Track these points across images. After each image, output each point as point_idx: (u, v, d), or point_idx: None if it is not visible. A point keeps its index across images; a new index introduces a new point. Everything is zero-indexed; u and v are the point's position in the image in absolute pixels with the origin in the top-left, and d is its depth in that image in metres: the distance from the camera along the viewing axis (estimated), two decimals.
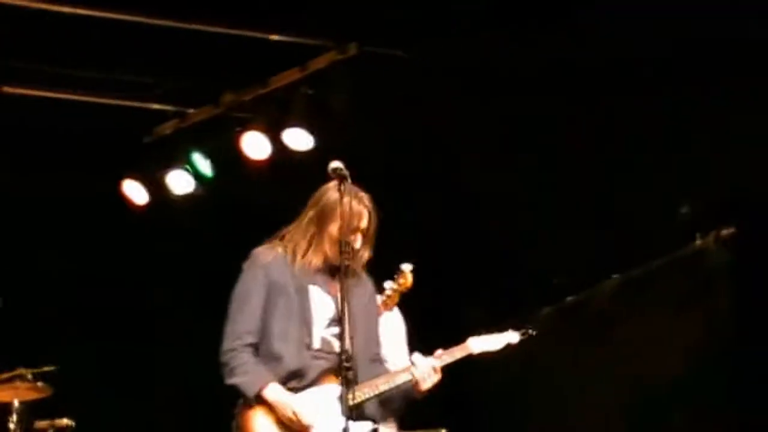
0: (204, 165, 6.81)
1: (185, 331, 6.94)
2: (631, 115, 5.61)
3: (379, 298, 4.48)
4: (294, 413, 3.79)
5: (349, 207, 3.82)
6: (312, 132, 6.33)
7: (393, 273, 4.62)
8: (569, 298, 6.05)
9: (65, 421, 5.98)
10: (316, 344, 3.88)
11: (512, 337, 4.10)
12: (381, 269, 4.29)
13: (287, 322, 3.89)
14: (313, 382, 3.85)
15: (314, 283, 3.94)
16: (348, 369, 3.66)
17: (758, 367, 5.09)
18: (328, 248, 3.90)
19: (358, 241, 3.91)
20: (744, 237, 5.24)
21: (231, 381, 3.88)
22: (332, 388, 3.80)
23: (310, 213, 3.97)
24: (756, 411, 5.12)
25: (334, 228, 3.86)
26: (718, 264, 5.27)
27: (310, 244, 3.93)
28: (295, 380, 3.85)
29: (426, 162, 6.33)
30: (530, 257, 6.16)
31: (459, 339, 4.07)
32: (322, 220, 3.91)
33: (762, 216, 5.19)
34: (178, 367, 7.05)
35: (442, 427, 4.80)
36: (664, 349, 5.54)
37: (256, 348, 3.90)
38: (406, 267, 4.55)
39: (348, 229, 3.80)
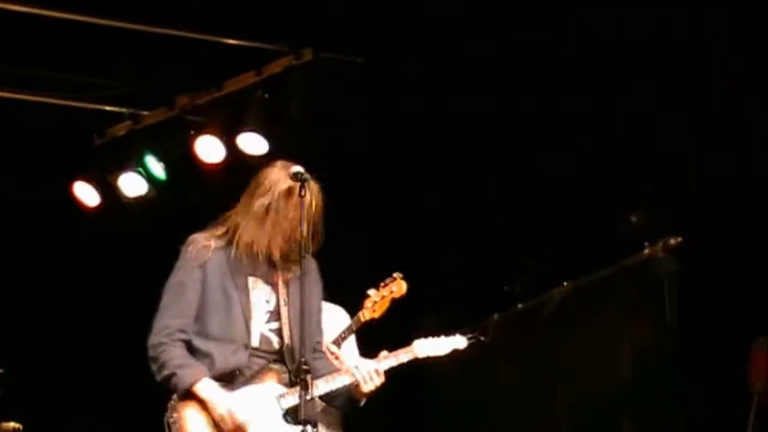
0: (157, 167, 6.77)
1: (134, 335, 6.88)
2: (584, 116, 5.67)
3: (369, 304, 4.39)
4: (228, 411, 3.63)
5: (310, 206, 3.65)
6: (266, 136, 6.33)
7: (355, 278, 4.54)
8: (520, 305, 6.10)
9: (12, 425, 5.91)
10: (255, 342, 3.74)
11: (460, 341, 4.01)
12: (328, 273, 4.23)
13: (223, 319, 3.72)
14: (250, 380, 3.71)
15: (255, 275, 3.77)
16: (285, 367, 3.58)
17: (704, 373, 5.17)
18: (274, 239, 3.70)
19: (303, 231, 3.65)
20: (691, 246, 5.32)
21: (162, 374, 3.70)
22: (269, 387, 3.69)
23: (257, 201, 3.75)
24: (701, 415, 5.20)
25: (283, 220, 3.68)
26: (666, 272, 5.34)
27: (255, 233, 3.72)
28: (229, 379, 3.70)
29: (379, 167, 6.36)
30: (482, 264, 6.21)
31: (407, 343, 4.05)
32: (270, 210, 3.70)
33: (708, 225, 5.28)
34: (123, 370, 6.99)
35: None
36: (614, 355, 5.61)
37: (188, 344, 3.73)
38: (399, 275, 4.40)
39: (304, 227, 3.61)
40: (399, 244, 6.30)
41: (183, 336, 3.73)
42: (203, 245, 3.79)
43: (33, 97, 6.49)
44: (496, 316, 6.06)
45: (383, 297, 4.33)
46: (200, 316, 3.75)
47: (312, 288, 3.86)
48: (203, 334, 3.74)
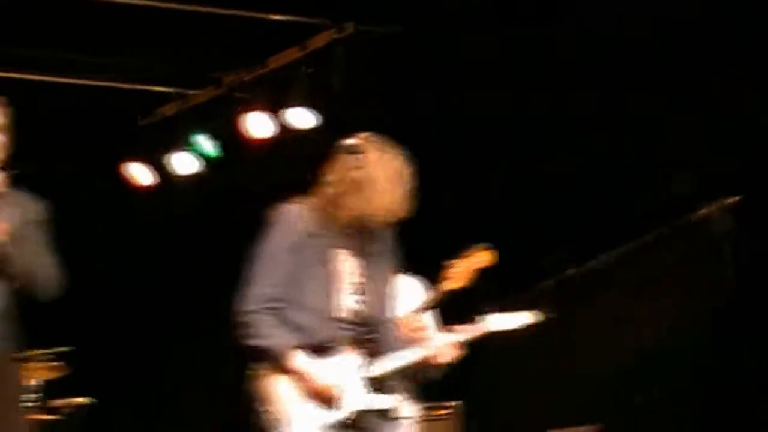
0: (207, 145, 6.84)
1: (194, 311, 6.98)
2: (634, 86, 5.63)
3: (451, 274, 4.34)
4: (324, 382, 3.66)
5: (385, 166, 3.65)
6: (314, 110, 6.36)
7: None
8: (571, 270, 6.07)
9: (81, 400, 6.06)
10: (341, 313, 3.74)
11: (528, 317, 4.07)
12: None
13: (313, 290, 3.72)
14: (336, 351, 3.73)
15: (343, 246, 3.76)
16: (370, 341, 3.62)
17: (759, 333, 5.14)
18: (365, 210, 3.69)
19: (393, 202, 3.66)
20: (747, 206, 5.27)
21: (253, 342, 3.67)
22: (353, 358, 3.73)
23: (347, 173, 3.71)
24: (752, 373, 5.18)
25: (374, 191, 3.66)
26: (722, 232, 5.29)
27: (346, 204, 3.70)
28: (318, 350, 3.71)
29: (426, 137, 6.35)
30: (530, 231, 6.19)
31: (465, 315, 4.09)
32: (360, 181, 3.67)
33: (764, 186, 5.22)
34: (187, 346, 7.10)
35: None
36: (667, 317, 5.58)
37: (279, 314, 3.70)
38: (483, 245, 4.17)
39: (383, 190, 3.61)
40: (443, 212, 6.30)
41: (275, 305, 3.71)
42: (295, 215, 3.76)
43: (84, 81, 6.57)
44: (545, 282, 6.03)
45: (467, 267, 4.13)
46: (291, 287, 3.73)
47: (391, 259, 3.88)
48: (294, 304, 3.73)
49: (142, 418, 7.16)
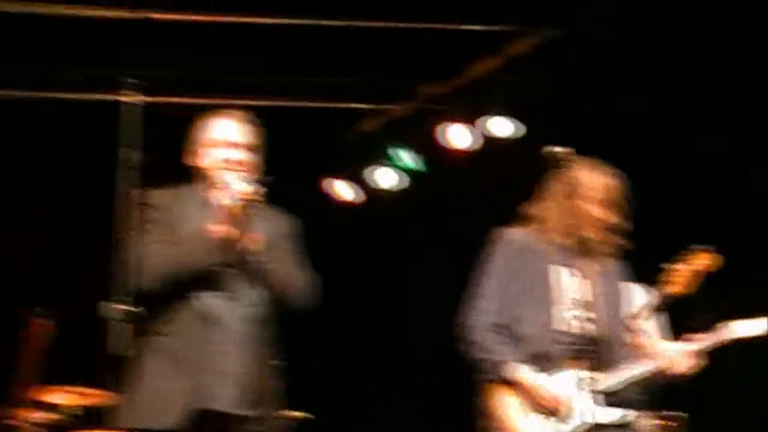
0: (409, 159, 6.89)
1: (399, 325, 7.01)
2: None
3: (675, 278, 4.22)
4: (550, 395, 3.66)
5: (599, 183, 3.69)
6: (514, 118, 6.28)
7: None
8: None
9: (297, 414, 6.19)
10: (562, 327, 3.74)
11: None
12: None
13: (532, 305, 3.75)
14: (558, 366, 3.72)
15: (562, 264, 3.79)
16: (594, 353, 3.57)
17: None
18: (578, 226, 3.74)
19: (612, 217, 3.73)
20: None
21: (475, 356, 3.74)
22: (575, 373, 3.69)
23: (558, 190, 3.77)
24: None
25: (585, 205, 3.71)
26: None
27: (558, 222, 3.77)
28: (538, 364, 3.72)
29: (636, 144, 6.14)
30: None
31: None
32: (571, 197, 3.72)
33: None
34: (395, 361, 7.12)
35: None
36: None
37: (498, 328, 3.77)
38: (705, 247, 4.07)
39: (601, 206, 3.67)
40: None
41: (495, 319, 3.77)
42: (513, 234, 3.85)
43: (285, 102, 6.74)
44: None
45: (689, 271, 3.98)
46: (513, 304, 3.79)
47: (616, 284, 3.88)
48: (516, 319, 3.78)
49: None
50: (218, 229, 3.49)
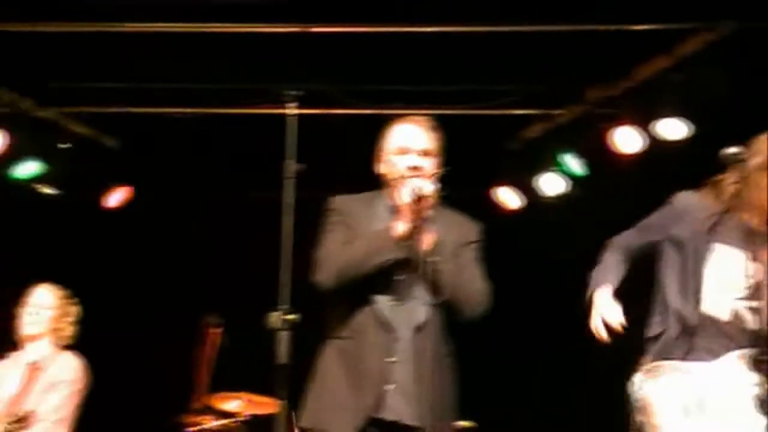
0: (575, 164, 6.75)
1: (549, 332, 6.91)
2: None
3: None
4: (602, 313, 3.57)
5: None
6: (687, 120, 6.05)
7: None
8: None
9: (464, 423, 6.17)
10: (724, 317, 3.52)
11: None
12: None
13: (683, 286, 3.59)
14: (712, 354, 3.51)
15: (732, 244, 3.57)
16: (748, 346, 3.35)
17: None
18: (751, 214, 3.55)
19: None
20: None
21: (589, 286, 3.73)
22: (737, 368, 3.48)
23: (749, 166, 3.55)
24: None
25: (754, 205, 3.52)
26: None
27: (749, 202, 3.57)
28: (682, 341, 3.52)
29: None
30: None
31: None
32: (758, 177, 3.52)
33: None
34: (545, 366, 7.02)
35: None
36: None
37: (627, 257, 3.69)
38: None
39: None
40: None
41: (630, 251, 3.77)
42: (688, 199, 3.72)
43: (450, 111, 6.72)
44: None
45: None
46: (661, 270, 3.68)
47: None
48: (670, 290, 3.65)
49: None
50: (397, 226, 3.55)
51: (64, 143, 6.77)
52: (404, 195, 3.56)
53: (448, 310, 3.61)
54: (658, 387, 3.55)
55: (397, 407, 3.52)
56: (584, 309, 3.75)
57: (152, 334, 7.05)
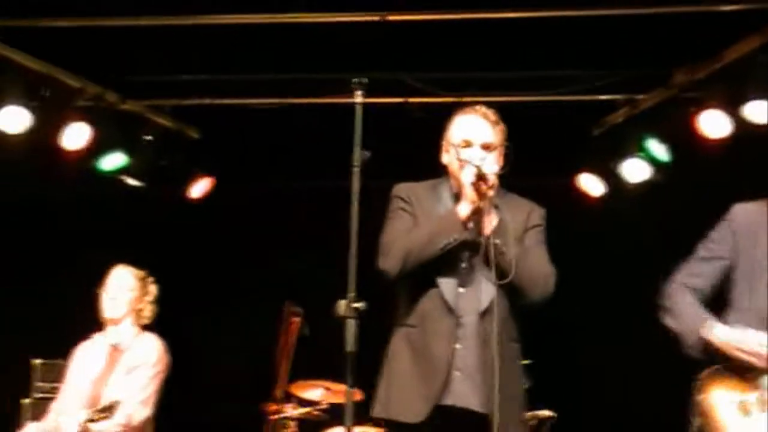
0: (659, 150, 6.61)
1: (632, 321, 6.81)
2: None
3: None
4: (760, 344, 3.37)
5: None
6: None
7: None
8: None
9: (545, 413, 6.14)
10: None
11: None
12: None
13: (748, 290, 3.52)
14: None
15: None
16: None
17: None
18: None
19: None
20: None
21: (666, 323, 3.61)
22: None
23: None
24: None
25: None
26: None
27: None
28: None
29: None
30: None
31: None
32: None
33: None
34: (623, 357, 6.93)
35: None
36: None
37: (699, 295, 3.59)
38: None
39: None
40: None
41: (699, 285, 3.65)
42: (745, 211, 3.68)
43: (533, 97, 6.65)
44: None
45: None
46: (730, 283, 3.61)
47: None
48: (729, 304, 3.58)
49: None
50: (460, 208, 3.61)
51: (148, 135, 6.88)
52: (466, 177, 3.60)
53: (512, 294, 3.61)
54: (719, 389, 3.47)
55: (464, 394, 3.54)
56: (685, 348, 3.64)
57: (234, 323, 7.15)
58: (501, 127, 3.77)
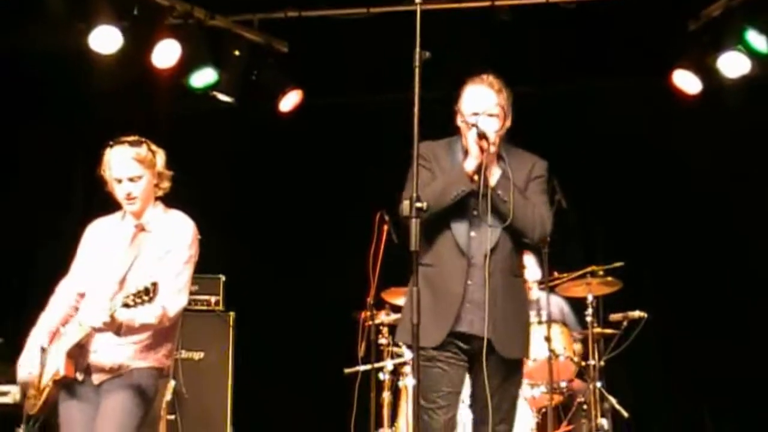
0: (760, 42, 6.33)
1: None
2: None
3: None
4: None
5: None
6: None
7: None
8: None
9: (638, 313, 6.10)
10: None
11: None
12: None
13: None
14: None
15: None
16: None
17: None
18: None
19: None
20: None
21: None
22: None
23: None
24: None
25: None
26: None
27: None
28: None
29: None
30: None
31: None
32: None
33: None
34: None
35: None
36: None
37: None
38: None
39: None
40: None
41: None
42: None
43: None
44: None
45: None
46: None
47: None
48: None
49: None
50: (467, 163, 4.23)
51: (237, 50, 6.91)
52: (470, 137, 4.22)
53: (515, 236, 4.24)
54: None
55: (471, 321, 4.19)
56: None
57: (328, 233, 7.23)
58: (505, 93, 4.30)
